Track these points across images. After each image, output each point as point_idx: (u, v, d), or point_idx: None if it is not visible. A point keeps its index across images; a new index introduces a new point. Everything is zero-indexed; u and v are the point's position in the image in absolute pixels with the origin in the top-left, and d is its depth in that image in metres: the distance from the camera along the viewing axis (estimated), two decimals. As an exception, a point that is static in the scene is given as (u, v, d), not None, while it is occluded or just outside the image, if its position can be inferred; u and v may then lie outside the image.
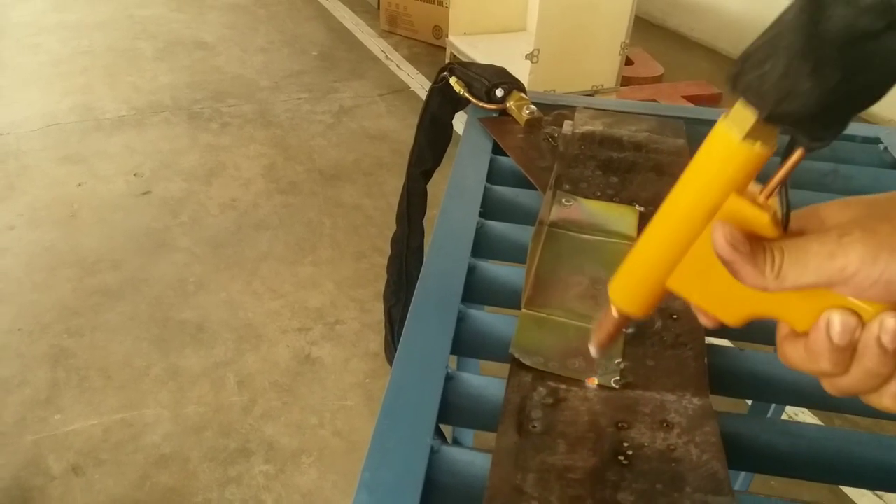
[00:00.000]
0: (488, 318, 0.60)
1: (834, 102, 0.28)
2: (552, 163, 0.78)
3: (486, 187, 0.76)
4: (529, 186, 0.77)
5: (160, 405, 1.59)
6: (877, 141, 0.92)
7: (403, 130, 2.75)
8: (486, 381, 0.54)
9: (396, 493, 0.44)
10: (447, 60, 3.06)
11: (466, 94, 0.88)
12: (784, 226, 0.32)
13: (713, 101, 3.00)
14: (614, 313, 0.38)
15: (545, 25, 2.51)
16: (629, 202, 0.72)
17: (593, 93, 2.72)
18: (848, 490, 1.45)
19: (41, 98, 2.87)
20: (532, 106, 0.85)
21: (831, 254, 0.30)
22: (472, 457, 0.48)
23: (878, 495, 1.46)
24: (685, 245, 0.34)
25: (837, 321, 0.31)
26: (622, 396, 0.51)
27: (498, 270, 0.65)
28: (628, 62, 2.97)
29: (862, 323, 0.31)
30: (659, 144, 0.81)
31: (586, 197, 0.72)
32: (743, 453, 0.50)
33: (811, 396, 0.55)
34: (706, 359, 0.54)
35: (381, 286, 1.00)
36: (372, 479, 0.45)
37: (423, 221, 0.95)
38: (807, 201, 0.75)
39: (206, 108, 2.87)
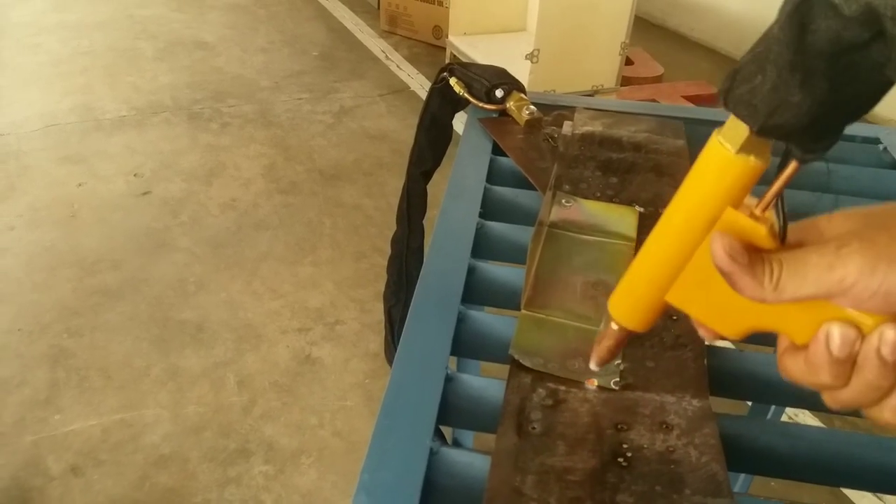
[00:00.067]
0: (488, 318, 0.60)
1: (824, 114, 0.28)
2: (552, 163, 0.78)
3: (485, 188, 0.75)
4: (529, 187, 0.77)
5: (160, 405, 1.59)
6: (876, 141, 0.91)
7: (403, 130, 2.75)
8: (485, 383, 0.54)
9: (395, 494, 0.44)
10: (447, 61, 3.06)
11: (466, 95, 0.88)
12: (782, 238, 0.32)
13: (713, 101, 3.00)
14: (614, 328, 0.38)
15: (545, 25, 2.51)
16: (629, 203, 0.72)
17: (593, 93, 2.72)
18: (848, 492, 1.45)
19: (41, 98, 2.87)
20: (532, 106, 0.85)
21: (830, 265, 0.30)
22: (471, 458, 0.48)
23: (878, 497, 1.46)
24: (683, 259, 0.34)
25: (837, 333, 0.31)
26: (622, 398, 0.51)
27: (497, 271, 0.65)
28: (628, 62, 2.97)
29: (862, 335, 0.30)
30: (659, 145, 0.81)
31: (586, 198, 0.72)
32: (742, 455, 0.50)
33: (811, 398, 0.54)
34: (706, 360, 0.54)
35: (381, 286, 1.00)
36: (371, 481, 0.45)
37: (423, 222, 0.95)
38: (806, 202, 0.75)
39: (207, 108, 2.87)
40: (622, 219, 0.69)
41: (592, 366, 0.40)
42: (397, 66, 3.30)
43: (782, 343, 0.34)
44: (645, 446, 0.47)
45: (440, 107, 0.91)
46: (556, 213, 0.69)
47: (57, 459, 1.45)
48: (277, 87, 3.06)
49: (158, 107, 2.86)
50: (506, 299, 0.62)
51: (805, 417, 1.53)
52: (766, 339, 0.35)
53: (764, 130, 0.29)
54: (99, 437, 1.51)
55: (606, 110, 0.89)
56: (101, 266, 1.99)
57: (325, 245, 2.12)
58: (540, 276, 0.61)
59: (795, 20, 0.27)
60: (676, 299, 0.35)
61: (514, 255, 0.67)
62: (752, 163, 0.31)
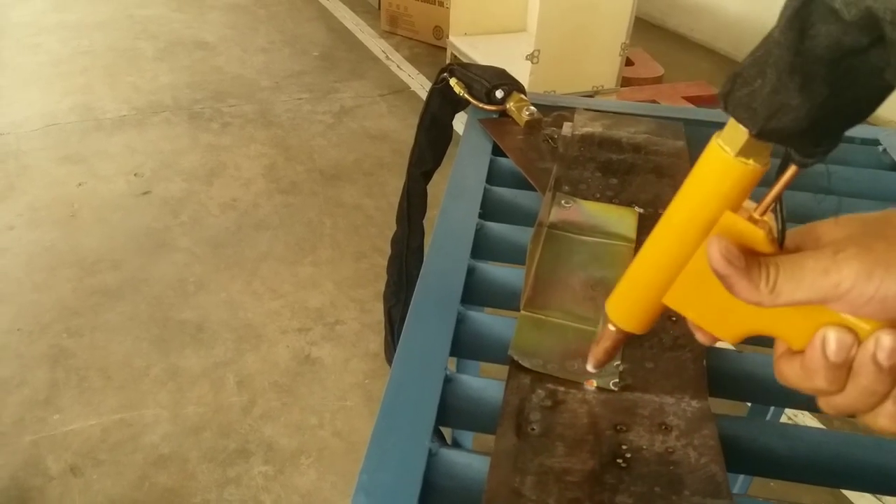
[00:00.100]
0: (487, 319, 0.60)
1: (823, 118, 0.28)
2: (552, 164, 0.78)
3: (485, 188, 0.75)
4: (529, 188, 0.77)
5: (159, 405, 1.59)
6: (876, 143, 0.91)
7: (404, 131, 2.75)
8: (485, 383, 0.54)
9: (394, 495, 0.44)
10: (448, 61, 3.06)
11: (466, 96, 0.88)
12: (780, 242, 0.32)
13: (713, 101, 3.00)
14: (611, 329, 0.38)
15: (545, 26, 2.51)
16: (628, 204, 0.72)
17: (593, 93, 2.72)
18: (848, 493, 1.45)
19: (41, 98, 2.87)
20: (532, 107, 0.85)
21: (826, 270, 0.30)
22: (470, 459, 0.48)
23: (878, 498, 1.46)
24: (681, 262, 0.34)
25: (833, 338, 0.31)
26: (621, 399, 0.51)
27: (497, 272, 0.65)
28: (628, 63, 2.97)
29: (858, 340, 0.31)
30: (658, 146, 0.81)
31: (585, 198, 0.72)
32: (742, 456, 0.50)
33: (810, 399, 0.54)
34: (705, 361, 0.54)
35: (381, 286, 1.00)
36: (370, 482, 0.45)
37: (424, 222, 0.95)
38: (805, 202, 0.75)
39: (207, 108, 2.87)
40: (622, 220, 0.69)
41: (589, 367, 0.41)
42: (398, 67, 3.30)
43: (779, 348, 0.34)
44: (644, 447, 0.47)
45: (440, 107, 0.91)
46: (555, 214, 0.69)
47: (56, 459, 1.45)
48: (278, 87, 3.06)
49: (159, 107, 2.86)
50: (505, 300, 0.62)
51: (804, 419, 1.53)
52: (765, 340, 0.35)
53: (763, 134, 0.29)
54: (98, 437, 1.51)
55: (606, 111, 0.89)
56: (101, 266, 1.99)
57: (325, 245, 2.12)
58: (539, 277, 0.61)
59: (796, 24, 0.27)
60: (674, 302, 0.35)
61: (514, 255, 0.67)
62: (751, 166, 0.31)
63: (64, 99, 2.87)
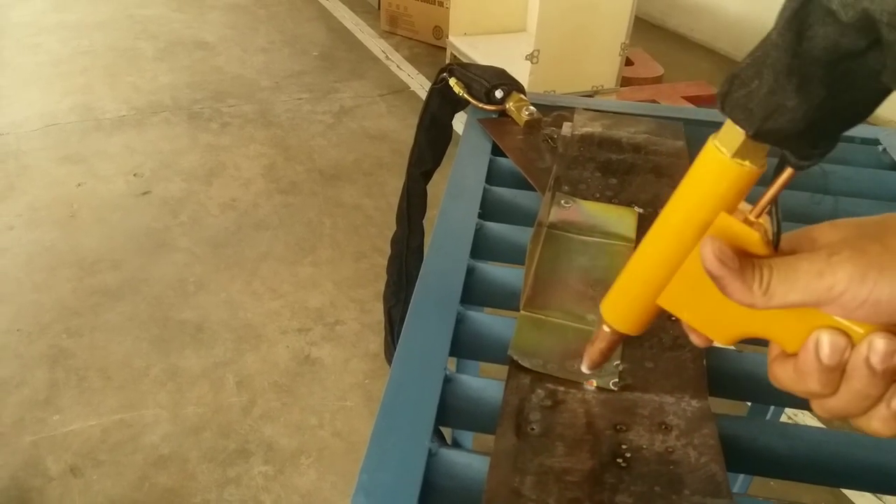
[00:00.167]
0: (487, 319, 0.60)
1: (820, 119, 0.28)
2: (551, 164, 0.78)
3: (485, 188, 0.75)
4: (528, 188, 0.77)
5: (159, 406, 1.59)
6: (876, 142, 0.91)
7: (403, 130, 2.75)
8: (484, 383, 0.54)
9: (394, 495, 0.44)
10: (447, 61, 3.06)
11: (466, 96, 0.88)
12: (775, 244, 0.32)
13: (713, 101, 2.99)
14: (606, 330, 0.38)
15: (545, 26, 2.51)
16: (628, 204, 0.72)
17: (593, 93, 2.72)
18: (848, 492, 1.45)
19: (41, 98, 2.87)
20: (531, 107, 0.85)
21: (820, 272, 0.30)
22: (470, 459, 0.48)
23: (878, 497, 1.46)
24: (676, 263, 0.34)
25: (826, 341, 0.31)
26: (621, 398, 0.51)
27: (497, 272, 0.65)
28: (628, 63, 2.97)
29: (851, 343, 0.30)
30: (658, 146, 0.81)
31: (585, 198, 0.72)
32: (742, 455, 0.50)
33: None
34: (705, 361, 0.54)
35: (381, 286, 1.00)
36: (370, 482, 0.45)
37: (423, 222, 0.95)
38: (804, 203, 0.75)
39: (207, 108, 2.87)
40: (621, 220, 0.69)
41: (584, 368, 0.41)
42: (397, 67, 3.30)
43: (773, 350, 0.34)
44: (644, 447, 0.47)
45: (440, 107, 0.91)
46: (555, 214, 0.69)
47: (56, 460, 1.45)
48: (277, 87, 3.06)
49: (158, 107, 2.86)
50: (505, 300, 0.62)
51: (804, 418, 1.53)
52: (763, 340, 0.35)
53: (759, 135, 0.29)
54: (98, 437, 1.51)
55: (606, 111, 0.89)
56: (101, 266, 1.99)
57: (325, 245, 2.12)
58: (539, 277, 0.61)
59: (794, 26, 0.27)
60: (668, 303, 0.35)
61: (514, 255, 0.67)
62: (747, 168, 0.31)
63: (64, 99, 2.87)
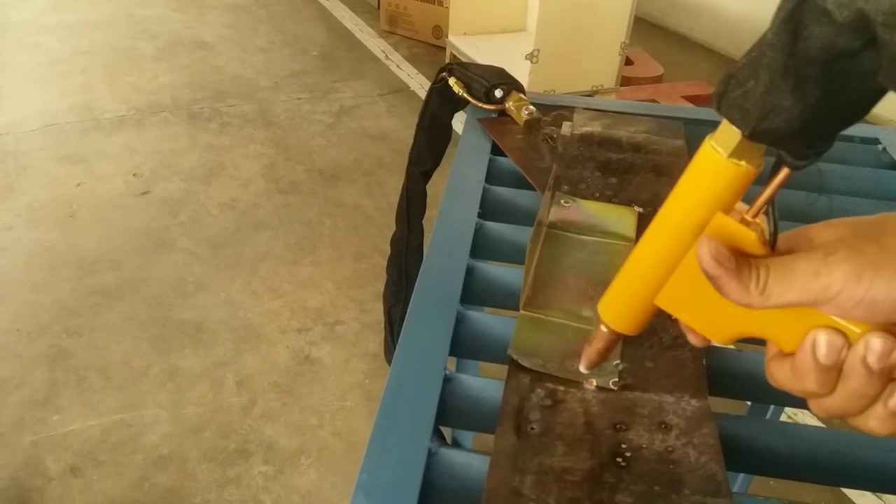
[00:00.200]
0: (487, 319, 0.60)
1: (816, 119, 0.28)
2: (551, 164, 0.78)
3: (484, 188, 0.75)
4: (528, 187, 0.77)
5: (159, 406, 1.59)
6: (875, 141, 0.91)
7: (403, 130, 2.75)
8: (484, 383, 0.54)
9: (394, 495, 0.44)
10: (447, 60, 3.06)
11: (465, 95, 0.88)
12: (771, 244, 0.32)
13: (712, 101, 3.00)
14: (604, 330, 0.38)
15: (545, 26, 2.51)
16: (628, 203, 0.72)
17: (593, 93, 2.72)
18: (848, 491, 1.45)
19: (41, 98, 2.87)
20: (531, 107, 0.85)
21: (816, 272, 0.30)
22: (469, 459, 0.48)
23: (878, 496, 1.46)
24: (672, 263, 0.34)
25: (823, 341, 0.31)
26: (620, 398, 0.51)
27: (496, 271, 0.65)
28: (628, 62, 2.97)
29: (848, 343, 0.31)
30: (658, 145, 0.81)
31: (585, 198, 0.72)
32: (741, 455, 0.50)
33: (810, 398, 0.55)
34: (704, 360, 0.54)
35: (381, 286, 1.00)
36: (369, 481, 0.45)
37: (423, 221, 0.95)
38: (800, 202, 0.75)
39: (206, 107, 2.87)
40: (621, 219, 0.69)
41: (582, 368, 0.41)
42: (397, 66, 3.30)
43: (770, 350, 0.34)
44: (644, 446, 0.47)
45: (439, 107, 0.91)
46: (554, 214, 0.69)
47: (56, 460, 1.45)
48: (277, 87, 3.06)
49: (158, 106, 2.85)
50: (504, 299, 0.62)
51: (804, 417, 1.53)
52: (762, 339, 0.35)
53: (755, 135, 0.29)
54: (98, 437, 1.51)
55: (606, 111, 0.89)
56: (101, 266, 1.99)
57: (324, 245, 2.12)
58: (539, 277, 0.61)
59: (789, 26, 0.27)
60: (665, 303, 0.35)
61: (513, 255, 0.67)
62: (743, 168, 0.31)
63: (63, 99, 2.87)
